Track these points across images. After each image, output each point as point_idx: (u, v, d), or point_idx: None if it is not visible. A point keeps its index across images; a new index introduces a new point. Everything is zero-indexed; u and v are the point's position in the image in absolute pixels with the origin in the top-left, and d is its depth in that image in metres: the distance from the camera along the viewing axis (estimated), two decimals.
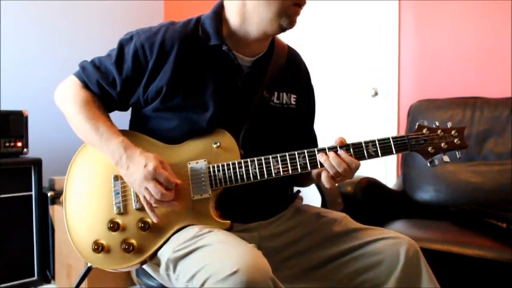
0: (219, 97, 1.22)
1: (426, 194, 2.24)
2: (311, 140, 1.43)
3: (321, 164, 1.16)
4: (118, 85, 1.24)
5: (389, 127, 2.81)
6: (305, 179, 1.35)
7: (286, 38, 1.39)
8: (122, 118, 1.38)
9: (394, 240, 1.18)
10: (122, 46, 1.25)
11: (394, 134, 2.75)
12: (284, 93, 1.31)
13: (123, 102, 1.28)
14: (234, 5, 1.22)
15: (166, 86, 1.20)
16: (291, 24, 1.20)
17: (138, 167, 1.12)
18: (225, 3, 1.25)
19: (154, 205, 1.14)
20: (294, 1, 1.17)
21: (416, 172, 2.28)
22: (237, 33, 1.23)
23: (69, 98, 1.26)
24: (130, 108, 1.33)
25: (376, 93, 2.86)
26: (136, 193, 1.18)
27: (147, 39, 1.22)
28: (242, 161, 1.17)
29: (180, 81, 1.21)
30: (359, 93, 2.92)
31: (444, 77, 2.64)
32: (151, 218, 1.16)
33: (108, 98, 1.27)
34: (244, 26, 1.22)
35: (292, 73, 1.35)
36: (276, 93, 1.29)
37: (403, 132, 2.64)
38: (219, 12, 1.26)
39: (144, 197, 1.14)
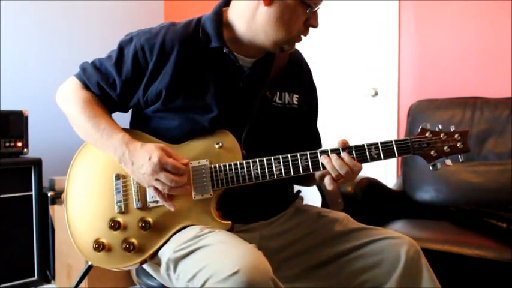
0: (221, 99, 1.22)
1: (426, 194, 2.24)
2: (314, 140, 1.43)
3: (323, 165, 1.16)
4: (118, 87, 1.24)
5: (390, 127, 2.81)
6: (308, 180, 1.34)
7: None
8: (122, 118, 1.38)
9: (394, 241, 1.18)
10: (121, 47, 1.25)
11: (394, 134, 2.76)
12: (286, 93, 1.31)
13: (123, 104, 1.28)
14: (243, 11, 1.21)
15: (166, 89, 1.20)
16: (291, 49, 1.25)
17: (143, 160, 1.12)
18: (233, 5, 1.24)
19: (169, 193, 1.14)
20: (300, 32, 1.20)
21: (416, 172, 2.28)
22: (240, 38, 1.23)
23: (70, 98, 1.26)
24: (131, 109, 1.33)
25: (376, 93, 2.86)
26: (137, 192, 1.19)
27: (147, 41, 1.22)
28: (244, 161, 1.17)
29: (181, 83, 1.21)
30: (359, 93, 2.92)
31: (444, 77, 2.64)
32: (168, 208, 1.16)
33: (109, 100, 1.27)
34: (248, 35, 1.22)
35: (294, 73, 1.35)
36: (278, 93, 1.29)
37: (403, 132, 2.64)
38: (219, 13, 1.25)
39: (156, 189, 1.14)
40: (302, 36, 1.22)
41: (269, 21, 1.17)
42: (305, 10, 1.17)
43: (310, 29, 1.22)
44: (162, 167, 1.11)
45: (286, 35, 1.19)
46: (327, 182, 1.16)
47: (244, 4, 1.20)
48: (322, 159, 1.15)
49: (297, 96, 1.33)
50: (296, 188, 1.42)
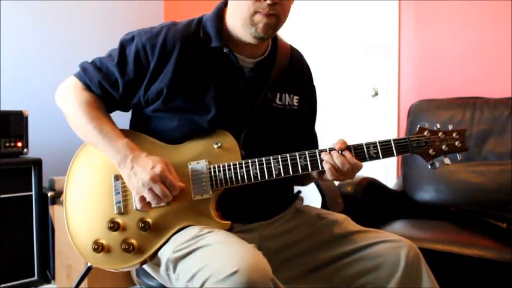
0: (221, 99, 1.22)
1: (426, 194, 2.24)
2: (311, 140, 1.43)
3: (321, 165, 1.16)
4: (120, 86, 1.24)
5: (390, 127, 2.81)
6: (305, 179, 1.35)
7: (286, 38, 1.39)
8: (122, 118, 1.38)
9: (394, 244, 1.18)
10: (123, 47, 1.25)
11: (394, 134, 2.76)
12: (286, 95, 1.31)
13: (124, 103, 1.28)
14: (228, 8, 1.23)
15: (166, 88, 1.20)
16: (259, 32, 1.17)
17: (145, 168, 1.13)
18: (228, 4, 1.25)
19: (153, 205, 1.15)
20: (254, 9, 1.15)
21: (416, 172, 2.28)
22: (233, 35, 1.23)
23: (71, 99, 1.25)
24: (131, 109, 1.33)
25: (376, 93, 2.86)
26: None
27: (149, 40, 1.22)
28: (243, 161, 1.17)
29: (181, 83, 1.21)
30: (359, 93, 2.92)
31: (444, 77, 2.64)
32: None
33: (110, 99, 1.27)
34: (234, 31, 1.22)
35: (295, 74, 1.35)
36: (278, 95, 1.29)
37: (403, 133, 2.64)
38: (220, 13, 1.25)
39: (143, 198, 1.14)
40: (264, 12, 1.14)
41: (233, 4, 1.19)
42: None
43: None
44: (161, 179, 1.12)
45: (243, 16, 1.16)
46: (327, 171, 1.15)
47: (230, 2, 1.22)
48: (324, 155, 1.15)
49: (297, 97, 1.33)
50: (296, 188, 1.43)
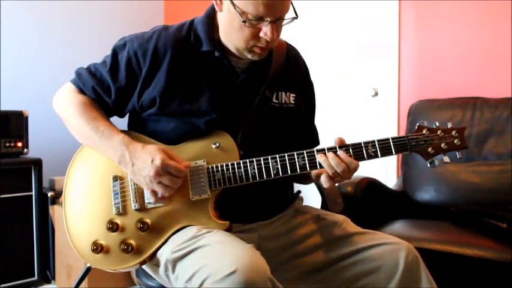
0: (216, 102, 1.21)
1: (426, 194, 2.24)
2: (311, 138, 1.43)
3: (320, 164, 1.15)
4: (113, 93, 1.24)
5: (389, 127, 2.80)
6: (304, 178, 1.34)
7: (286, 38, 1.38)
8: (120, 121, 1.37)
9: (393, 246, 1.17)
10: (115, 53, 1.25)
11: (394, 134, 2.76)
12: (283, 93, 1.30)
13: (118, 109, 1.28)
14: (218, 18, 1.21)
15: (160, 94, 1.20)
16: (255, 57, 1.19)
17: (145, 163, 1.12)
18: (218, 18, 1.23)
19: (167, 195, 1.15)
20: (252, 44, 1.16)
21: (416, 172, 2.28)
22: (224, 42, 1.22)
23: (67, 103, 1.26)
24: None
25: (376, 93, 2.86)
26: (135, 193, 1.19)
27: (140, 47, 1.22)
28: (241, 161, 1.17)
29: (175, 88, 1.21)
30: (359, 93, 2.92)
31: (444, 77, 2.63)
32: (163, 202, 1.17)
33: (104, 105, 1.27)
34: (224, 40, 1.21)
35: (292, 71, 1.34)
36: (275, 93, 1.29)
37: (403, 133, 2.64)
38: (212, 16, 1.24)
39: (154, 192, 1.14)
40: (261, 46, 1.16)
41: (224, 27, 1.18)
42: (241, 21, 1.11)
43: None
44: (165, 169, 1.11)
45: (244, 43, 1.15)
46: (323, 180, 1.15)
47: (219, 19, 1.21)
48: (319, 157, 1.15)
49: (294, 95, 1.32)
50: (296, 188, 1.42)
